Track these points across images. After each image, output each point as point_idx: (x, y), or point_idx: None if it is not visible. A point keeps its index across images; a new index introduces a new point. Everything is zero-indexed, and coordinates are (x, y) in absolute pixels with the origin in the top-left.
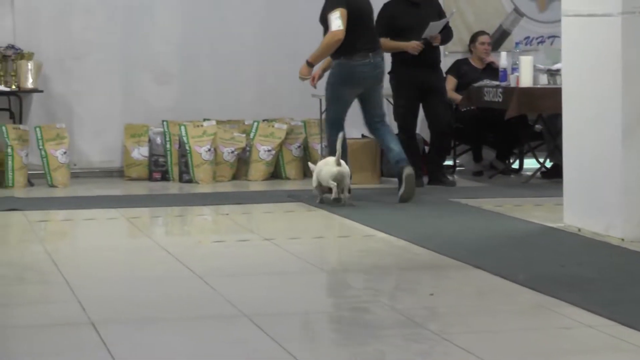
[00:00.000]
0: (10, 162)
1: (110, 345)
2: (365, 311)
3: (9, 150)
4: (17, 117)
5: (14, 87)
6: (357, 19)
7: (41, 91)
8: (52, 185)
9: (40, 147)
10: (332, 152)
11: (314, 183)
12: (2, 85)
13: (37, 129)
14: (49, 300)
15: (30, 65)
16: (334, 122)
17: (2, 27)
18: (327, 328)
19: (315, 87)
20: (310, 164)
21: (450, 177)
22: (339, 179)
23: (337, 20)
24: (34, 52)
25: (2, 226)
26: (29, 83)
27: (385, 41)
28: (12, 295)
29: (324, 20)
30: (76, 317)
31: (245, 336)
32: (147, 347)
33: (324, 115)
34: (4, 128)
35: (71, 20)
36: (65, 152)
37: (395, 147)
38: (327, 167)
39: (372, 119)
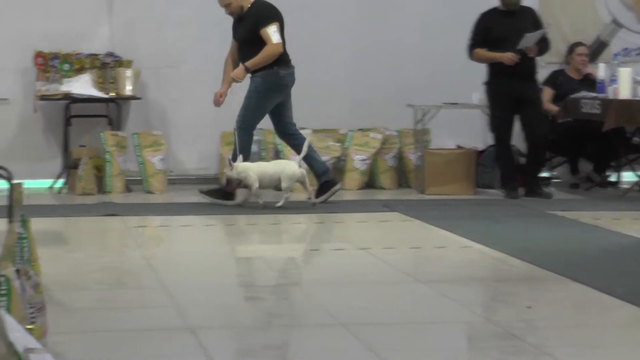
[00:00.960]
0: (108, 168)
1: (209, 350)
2: (462, 323)
3: (107, 156)
4: (115, 123)
5: (112, 94)
6: (283, 31)
7: (139, 98)
8: (149, 192)
9: (138, 153)
10: (237, 151)
11: (256, 184)
12: (101, 92)
13: (135, 136)
14: (147, 305)
15: (128, 72)
16: (248, 129)
17: (102, 35)
18: (423, 338)
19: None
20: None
21: (546, 189)
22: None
23: (276, 34)
24: (133, 60)
25: (100, 231)
26: (127, 90)
27: (481, 52)
28: (112, 299)
29: (253, 32)
30: (174, 322)
31: (341, 345)
32: (244, 353)
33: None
34: (102, 134)
35: (168, 30)
36: (162, 159)
37: (318, 157)
38: (290, 168)
39: (288, 124)
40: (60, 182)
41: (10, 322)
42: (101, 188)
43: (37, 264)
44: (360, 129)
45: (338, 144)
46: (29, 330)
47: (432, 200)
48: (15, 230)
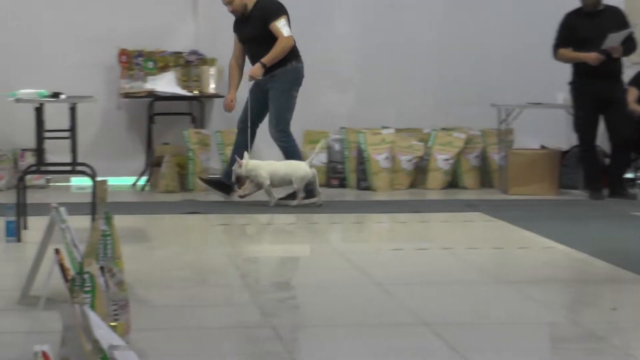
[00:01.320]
0: (191, 166)
1: (291, 349)
2: (545, 324)
3: (190, 154)
4: (198, 121)
5: (195, 92)
6: (290, 24)
7: (222, 96)
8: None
9: (221, 151)
10: (288, 157)
11: (267, 182)
12: (185, 90)
13: (218, 134)
14: (230, 303)
15: (212, 70)
16: (287, 129)
17: (186, 33)
18: (507, 339)
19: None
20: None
21: (631, 190)
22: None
23: (286, 27)
24: (216, 58)
25: (183, 229)
26: (211, 88)
27: (565, 52)
28: (196, 297)
29: (262, 29)
30: (257, 320)
31: (424, 345)
32: (327, 352)
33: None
34: (185, 132)
35: None
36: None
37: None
38: (301, 169)
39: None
40: (143, 180)
41: (95, 319)
42: (184, 186)
43: (120, 261)
44: (443, 129)
45: (421, 143)
46: (113, 327)
47: (515, 201)
48: (99, 228)
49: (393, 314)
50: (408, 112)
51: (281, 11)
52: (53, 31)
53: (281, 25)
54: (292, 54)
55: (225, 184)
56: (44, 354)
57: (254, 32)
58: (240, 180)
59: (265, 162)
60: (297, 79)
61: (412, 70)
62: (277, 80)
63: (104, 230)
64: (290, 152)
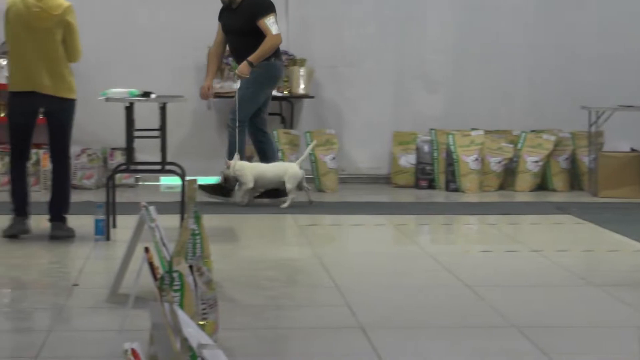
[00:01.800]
0: None
1: (379, 350)
2: (635, 327)
3: (280, 154)
4: (288, 122)
5: (285, 92)
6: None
7: (312, 97)
8: (321, 190)
9: (310, 151)
10: (232, 149)
11: (250, 184)
12: (275, 90)
13: (308, 134)
14: (318, 304)
15: (302, 71)
16: (244, 121)
17: None
18: (597, 342)
19: (210, 102)
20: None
21: None
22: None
23: (275, 25)
24: (306, 59)
25: (272, 229)
26: (301, 89)
27: None
28: (283, 297)
29: (249, 24)
30: (346, 321)
31: (514, 347)
32: (415, 353)
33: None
34: (275, 132)
35: (343, 29)
36: (334, 158)
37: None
38: (292, 169)
39: (264, 120)
40: None
41: (184, 318)
42: None
43: (209, 260)
44: (533, 131)
45: (511, 145)
46: (201, 326)
47: (606, 203)
48: (188, 227)
49: (482, 316)
50: (498, 113)
51: (270, 8)
52: (145, 31)
53: (270, 23)
54: (275, 51)
55: (222, 187)
56: (134, 352)
57: (240, 24)
58: (228, 181)
59: (251, 165)
60: (274, 76)
61: (502, 71)
62: (254, 72)
63: (193, 229)
64: (234, 144)
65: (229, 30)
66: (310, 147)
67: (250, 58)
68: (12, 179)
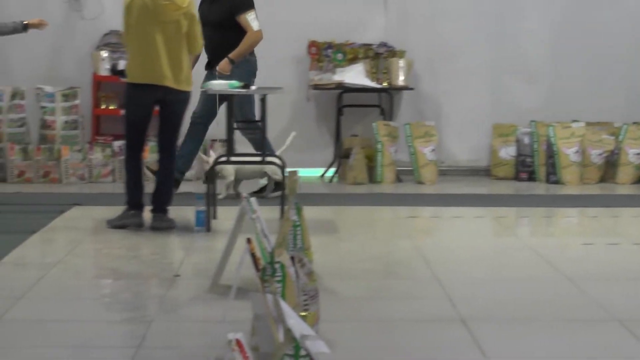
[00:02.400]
0: (380, 158)
1: (481, 343)
2: None
3: (379, 146)
4: (387, 113)
5: (385, 84)
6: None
7: (412, 89)
8: (420, 182)
9: (409, 143)
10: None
11: (231, 177)
12: (374, 82)
13: (407, 126)
14: (418, 296)
15: (401, 63)
16: (253, 119)
17: (376, 26)
18: None
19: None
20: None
21: None
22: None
23: (255, 21)
24: (406, 51)
25: (372, 221)
26: (400, 81)
27: None
28: (382, 289)
29: (228, 18)
30: (447, 313)
31: (616, 341)
32: (518, 347)
33: None
34: (374, 125)
35: (443, 22)
36: (433, 150)
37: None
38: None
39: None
40: (331, 171)
41: (286, 309)
42: (372, 178)
43: (310, 252)
44: (635, 122)
45: (612, 137)
46: (303, 317)
47: None
48: (290, 218)
49: (585, 309)
50: (599, 105)
51: (251, 4)
52: None
53: (251, 19)
54: None
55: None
56: (238, 342)
57: (218, 17)
58: (209, 177)
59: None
60: (253, 71)
61: (603, 63)
62: (235, 70)
63: (294, 220)
64: (259, 143)
65: (206, 22)
66: (290, 138)
67: (231, 55)
68: (127, 171)
